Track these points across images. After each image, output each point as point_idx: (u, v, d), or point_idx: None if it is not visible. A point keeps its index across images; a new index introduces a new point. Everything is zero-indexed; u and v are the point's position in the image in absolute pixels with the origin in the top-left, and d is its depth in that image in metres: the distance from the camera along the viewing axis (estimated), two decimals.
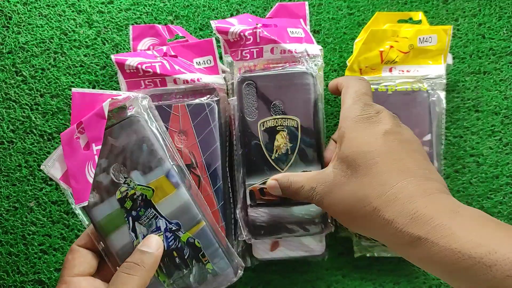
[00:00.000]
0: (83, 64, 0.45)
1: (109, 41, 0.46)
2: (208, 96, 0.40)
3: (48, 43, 0.46)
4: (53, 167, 0.34)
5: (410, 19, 0.45)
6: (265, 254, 0.41)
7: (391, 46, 0.42)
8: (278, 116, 0.38)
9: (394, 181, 0.29)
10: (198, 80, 0.40)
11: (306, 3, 0.44)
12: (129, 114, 0.35)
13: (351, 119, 0.32)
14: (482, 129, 0.45)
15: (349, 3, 0.47)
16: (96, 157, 0.33)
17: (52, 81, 0.45)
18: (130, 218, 0.34)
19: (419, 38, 0.42)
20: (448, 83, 0.45)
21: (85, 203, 0.33)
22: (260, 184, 0.38)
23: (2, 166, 0.44)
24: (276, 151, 0.38)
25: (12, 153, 0.44)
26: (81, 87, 0.45)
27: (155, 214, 0.34)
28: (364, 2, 0.47)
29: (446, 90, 0.42)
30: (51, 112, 0.45)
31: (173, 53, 0.41)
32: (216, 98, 0.39)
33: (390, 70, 0.43)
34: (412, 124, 0.37)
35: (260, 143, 0.38)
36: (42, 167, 0.34)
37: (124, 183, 0.34)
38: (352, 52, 0.45)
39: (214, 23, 0.40)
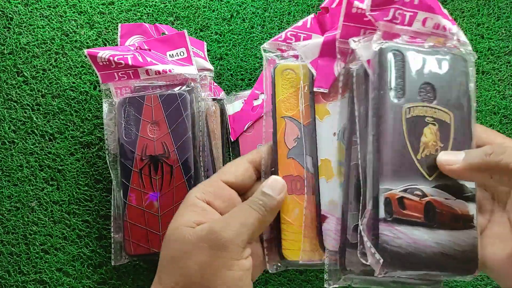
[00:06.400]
0: (84, 65, 0.46)
1: (110, 42, 0.46)
2: (180, 86, 0.40)
3: (49, 44, 0.46)
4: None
5: None
6: None
7: None
8: (429, 104, 0.29)
9: None
10: (170, 71, 0.40)
11: None
12: None
13: None
14: None
15: None
16: None
17: (53, 82, 0.45)
18: None
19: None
20: None
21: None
22: (400, 191, 0.29)
23: (4, 166, 0.44)
24: (423, 149, 0.29)
25: (14, 153, 0.45)
26: (82, 88, 0.45)
27: None
28: None
29: None
30: (53, 113, 0.45)
31: (146, 47, 0.41)
32: (188, 89, 0.40)
33: None
34: None
35: (403, 134, 0.29)
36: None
37: None
38: None
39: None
